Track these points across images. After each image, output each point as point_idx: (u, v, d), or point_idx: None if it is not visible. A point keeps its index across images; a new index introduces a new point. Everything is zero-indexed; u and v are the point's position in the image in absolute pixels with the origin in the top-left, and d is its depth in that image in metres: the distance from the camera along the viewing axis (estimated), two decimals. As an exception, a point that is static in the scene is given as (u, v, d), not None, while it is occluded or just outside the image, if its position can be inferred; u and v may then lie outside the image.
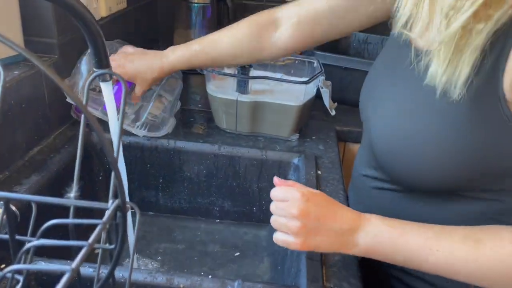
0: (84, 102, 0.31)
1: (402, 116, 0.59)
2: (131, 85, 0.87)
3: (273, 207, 0.57)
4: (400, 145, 0.58)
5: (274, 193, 0.57)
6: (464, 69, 0.50)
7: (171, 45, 0.82)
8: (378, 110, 0.63)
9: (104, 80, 0.55)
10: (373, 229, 0.54)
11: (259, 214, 0.94)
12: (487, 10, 0.47)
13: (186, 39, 1.33)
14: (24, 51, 0.24)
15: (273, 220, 0.57)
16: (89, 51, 0.87)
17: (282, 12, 0.80)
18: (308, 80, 0.88)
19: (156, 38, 1.48)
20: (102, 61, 0.54)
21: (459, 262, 0.49)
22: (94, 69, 0.56)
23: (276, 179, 0.59)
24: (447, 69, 0.51)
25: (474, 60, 0.49)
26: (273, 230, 0.58)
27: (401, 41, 0.60)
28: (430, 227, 0.53)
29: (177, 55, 0.83)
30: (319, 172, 0.83)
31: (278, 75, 1.05)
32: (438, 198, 0.59)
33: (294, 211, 0.54)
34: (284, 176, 0.89)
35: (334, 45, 1.16)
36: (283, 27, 0.79)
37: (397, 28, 0.58)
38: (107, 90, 0.55)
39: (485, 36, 0.48)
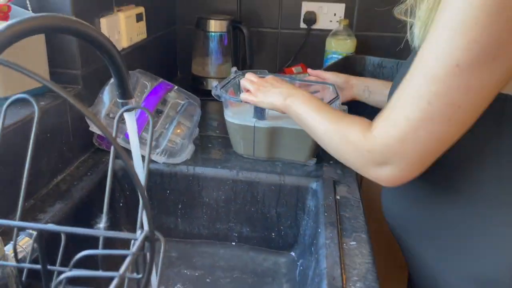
0: (113, 135, 0.32)
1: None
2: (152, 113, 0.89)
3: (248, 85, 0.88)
4: None
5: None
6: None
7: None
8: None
9: (128, 110, 0.57)
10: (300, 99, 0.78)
11: (278, 240, 0.93)
12: None
13: (204, 66, 1.37)
14: (57, 88, 0.26)
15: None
16: (111, 81, 0.91)
17: None
18: (325, 105, 0.89)
19: (175, 66, 1.52)
20: (125, 92, 0.56)
21: (323, 132, 0.70)
22: (118, 99, 0.58)
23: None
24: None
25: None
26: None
27: None
28: (327, 111, 0.72)
29: None
30: (338, 197, 0.83)
31: (294, 101, 1.06)
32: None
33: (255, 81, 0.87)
34: (303, 202, 0.89)
35: (350, 70, 1.17)
36: None
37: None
38: (130, 120, 0.56)
39: None
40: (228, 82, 1.02)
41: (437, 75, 0.52)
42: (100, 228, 0.29)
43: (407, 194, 0.71)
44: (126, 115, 0.58)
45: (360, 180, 1.08)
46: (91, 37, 0.48)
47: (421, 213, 0.69)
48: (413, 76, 0.55)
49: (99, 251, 0.28)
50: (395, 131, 0.56)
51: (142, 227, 0.29)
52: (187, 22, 1.45)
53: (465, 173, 0.61)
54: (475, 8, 0.48)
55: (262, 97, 0.84)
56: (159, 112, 0.94)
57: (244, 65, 1.40)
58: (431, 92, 0.52)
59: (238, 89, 1.08)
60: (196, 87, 1.37)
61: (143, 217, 0.41)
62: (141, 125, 0.88)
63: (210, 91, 0.97)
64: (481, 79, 0.50)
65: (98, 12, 0.95)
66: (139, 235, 0.27)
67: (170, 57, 1.48)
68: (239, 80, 1.08)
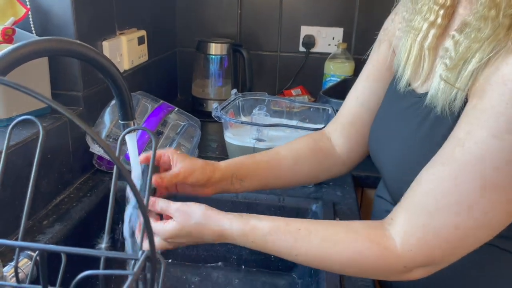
0: (117, 155, 0.33)
1: (406, 150, 0.63)
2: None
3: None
4: (407, 175, 0.60)
5: None
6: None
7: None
8: (386, 150, 0.68)
9: (131, 131, 0.57)
10: (239, 241, 0.61)
11: (277, 262, 0.92)
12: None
13: (204, 88, 1.38)
14: (61, 108, 0.26)
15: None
16: (112, 102, 0.91)
17: (327, 128, 0.82)
18: (323, 127, 0.90)
19: (176, 88, 1.54)
20: (127, 114, 0.57)
21: (317, 260, 0.57)
22: (119, 121, 0.59)
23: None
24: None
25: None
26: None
27: (402, 93, 0.65)
28: (293, 232, 0.58)
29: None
30: (337, 218, 0.83)
31: (294, 122, 1.07)
32: None
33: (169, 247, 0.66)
34: (302, 223, 0.89)
35: (348, 92, 1.19)
36: (333, 138, 0.80)
37: (401, 84, 0.65)
38: (131, 141, 0.57)
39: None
40: (228, 103, 1.03)
41: (497, 184, 0.46)
42: (102, 248, 0.29)
43: None
44: (127, 136, 0.58)
45: (360, 202, 1.07)
46: (94, 59, 0.49)
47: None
48: (460, 180, 0.48)
49: (101, 272, 0.28)
50: (440, 241, 0.50)
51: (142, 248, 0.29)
52: (188, 45, 1.47)
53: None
54: None
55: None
56: (159, 134, 0.94)
57: (244, 88, 1.42)
58: (489, 201, 0.47)
59: (238, 111, 1.09)
60: (196, 108, 1.38)
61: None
62: (142, 146, 0.88)
63: (210, 112, 0.97)
64: None
65: (100, 35, 0.97)
66: (141, 255, 0.27)
67: (171, 79, 1.50)
68: (239, 102, 1.09)
